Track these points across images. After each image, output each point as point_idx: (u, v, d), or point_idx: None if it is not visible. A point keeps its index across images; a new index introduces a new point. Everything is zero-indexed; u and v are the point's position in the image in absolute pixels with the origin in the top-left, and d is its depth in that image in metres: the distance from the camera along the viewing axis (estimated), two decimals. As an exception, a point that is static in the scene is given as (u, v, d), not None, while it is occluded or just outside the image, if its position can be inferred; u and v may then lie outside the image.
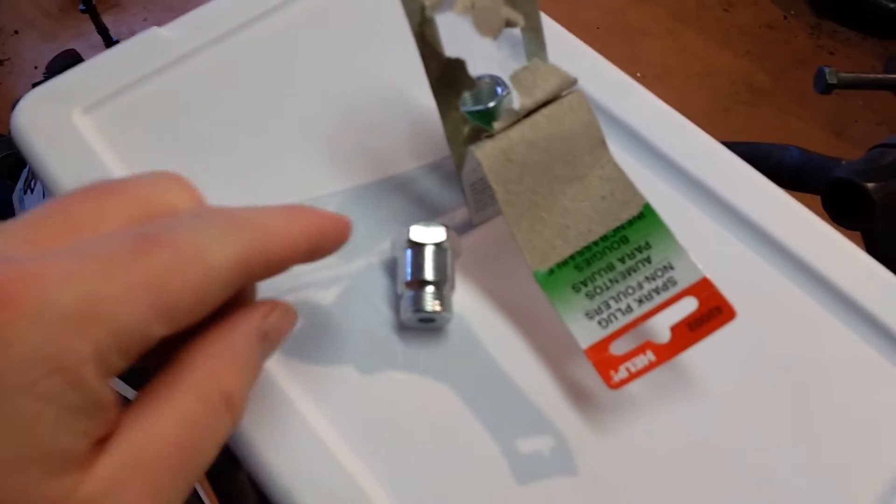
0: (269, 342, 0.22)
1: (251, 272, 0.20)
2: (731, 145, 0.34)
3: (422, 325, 0.27)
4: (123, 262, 0.17)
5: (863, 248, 0.34)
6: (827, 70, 0.54)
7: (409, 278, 0.27)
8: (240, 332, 0.21)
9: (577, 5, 1.46)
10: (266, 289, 0.29)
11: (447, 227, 0.28)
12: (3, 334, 0.15)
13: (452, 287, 0.27)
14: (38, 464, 0.16)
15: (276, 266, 0.21)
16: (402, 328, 0.28)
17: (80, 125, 0.32)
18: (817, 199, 0.54)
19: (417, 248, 0.27)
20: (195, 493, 0.57)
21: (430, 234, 0.27)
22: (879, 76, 0.56)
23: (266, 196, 0.31)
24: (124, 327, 0.17)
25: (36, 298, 0.16)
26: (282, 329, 0.23)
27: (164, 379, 0.20)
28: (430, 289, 0.27)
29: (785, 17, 1.49)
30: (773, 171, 0.32)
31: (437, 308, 0.26)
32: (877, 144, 0.56)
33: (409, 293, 0.27)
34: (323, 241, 0.22)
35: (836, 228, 0.31)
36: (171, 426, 0.19)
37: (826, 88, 0.55)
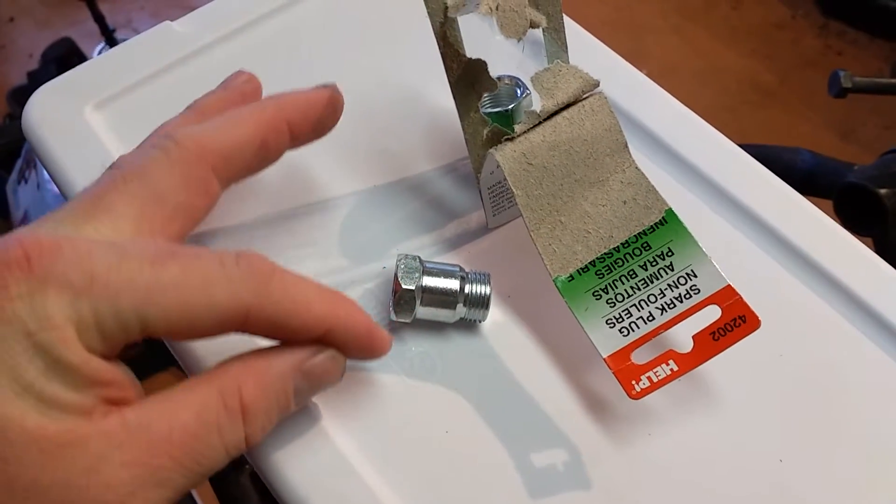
0: (308, 381, 0.23)
1: (253, 328, 0.22)
2: (741, 147, 0.33)
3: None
4: (137, 263, 0.20)
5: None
6: (842, 74, 0.54)
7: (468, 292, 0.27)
8: (281, 358, 0.22)
9: (583, 0, 1.46)
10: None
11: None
12: (19, 289, 0.19)
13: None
14: (30, 400, 0.19)
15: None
16: (417, 333, 0.27)
17: (91, 121, 0.32)
18: (828, 203, 0.53)
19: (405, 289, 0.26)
20: (191, 498, 0.56)
21: (410, 276, 0.26)
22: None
23: (278, 197, 0.31)
24: (106, 313, 0.19)
25: (50, 266, 0.19)
26: (325, 374, 0.23)
27: (199, 376, 0.22)
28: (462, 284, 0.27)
29: (793, 17, 1.48)
30: (783, 175, 0.31)
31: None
32: (889, 150, 0.56)
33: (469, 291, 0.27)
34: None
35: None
36: (186, 413, 0.20)
37: (840, 92, 0.54)
